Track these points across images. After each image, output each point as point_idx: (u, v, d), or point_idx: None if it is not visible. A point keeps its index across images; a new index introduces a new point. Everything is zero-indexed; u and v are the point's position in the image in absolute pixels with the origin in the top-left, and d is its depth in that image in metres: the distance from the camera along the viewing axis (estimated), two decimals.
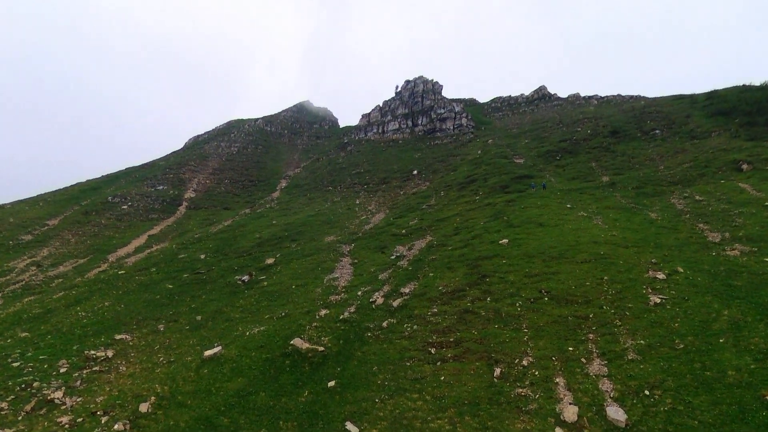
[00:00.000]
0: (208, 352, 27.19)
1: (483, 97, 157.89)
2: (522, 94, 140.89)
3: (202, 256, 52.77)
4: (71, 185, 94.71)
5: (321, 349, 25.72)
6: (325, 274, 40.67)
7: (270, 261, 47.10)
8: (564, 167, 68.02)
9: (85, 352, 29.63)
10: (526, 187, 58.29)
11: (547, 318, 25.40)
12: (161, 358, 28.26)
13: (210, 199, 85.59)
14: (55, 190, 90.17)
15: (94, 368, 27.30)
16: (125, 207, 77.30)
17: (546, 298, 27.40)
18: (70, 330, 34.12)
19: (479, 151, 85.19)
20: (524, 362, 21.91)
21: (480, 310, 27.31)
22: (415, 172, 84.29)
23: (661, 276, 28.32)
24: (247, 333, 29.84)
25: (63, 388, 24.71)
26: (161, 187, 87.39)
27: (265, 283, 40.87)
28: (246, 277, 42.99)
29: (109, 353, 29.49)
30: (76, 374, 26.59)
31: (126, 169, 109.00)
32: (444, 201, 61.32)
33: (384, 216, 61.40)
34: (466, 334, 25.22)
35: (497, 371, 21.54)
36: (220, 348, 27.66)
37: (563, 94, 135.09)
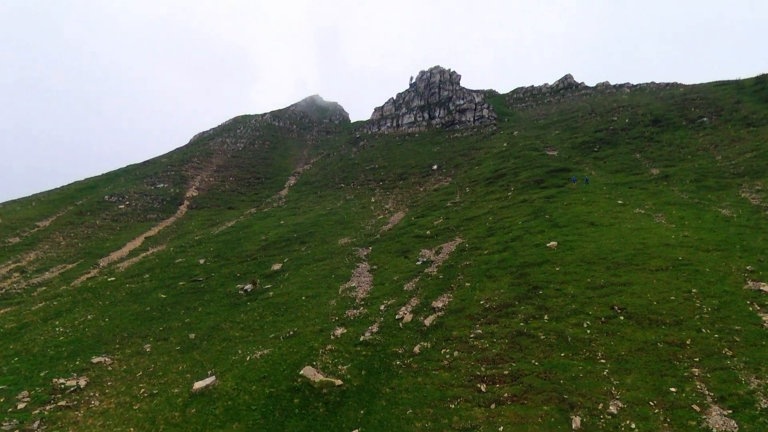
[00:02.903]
0: (198, 384, 22.45)
1: (502, 89, 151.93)
2: (545, 84, 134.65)
3: (202, 261, 48.26)
4: (67, 184, 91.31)
5: (338, 382, 20.79)
6: (339, 283, 35.77)
7: (276, 267, 42.37)
8: (604, 159, 62.29)
9: (54, 380, 25.14)
10: (565, 181, 52.82)
11: (629, 344, 20.16)
12: (142, 390, 23.58)
13: (213, 198, 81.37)
14: (50, 190, 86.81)
15: (60, 403, 22.74)
16: (122, 206, 73.37)
17: (621, 317, 22.16)
18: (42, 350, 29.70)
19: (505, 144, 79.67)
20: (612, 408, 16.73)
21: (537, 333, 22.15)
22: (434, 167, 79.08)
23: (766, 288, 22.90)
24: (248, 357, 25.04)
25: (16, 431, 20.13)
26: (161, 185, 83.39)
27: (271, 293, 36.10)
28: (249, 286, 38.29)
29: (82, 382, 24.94)
30: (37, 411, 22.04)
31: (127, 166, 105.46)
32: (471, 198, 56.05)
33: (404, 215, 56.33)
34: (524, 365, 20.08)
35: (576, 421, 16.40)
36: (213, 378, 22.90)
37: (590, 83, 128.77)
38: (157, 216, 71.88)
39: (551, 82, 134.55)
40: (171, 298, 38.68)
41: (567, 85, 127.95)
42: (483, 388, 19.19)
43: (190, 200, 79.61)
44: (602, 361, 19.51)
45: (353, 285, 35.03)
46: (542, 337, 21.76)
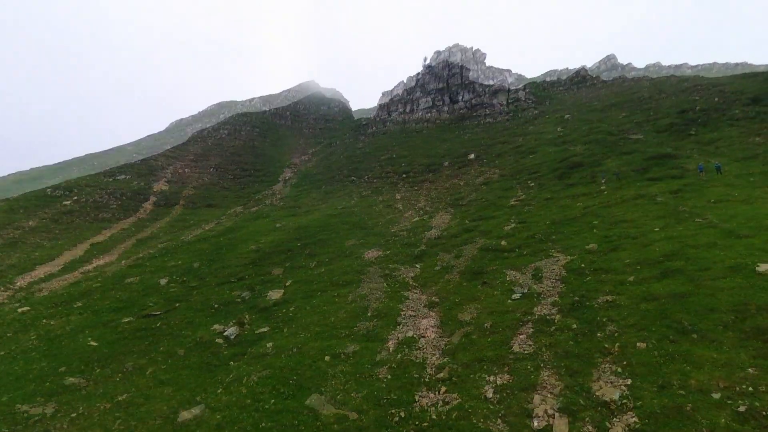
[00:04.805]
0: None
1: (528, 73, 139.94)
2: (584, 66, 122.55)
3: (163, 282, 35.07)
4: (5, 175, 77.42)
5: None
6: (385, 331, 22.67)
7: (275, 295, 29.25)
8: (710, 144, 49.71)
9: None
10: (678, 169, 40.36)
11: None
12: None
13: (188, 194, 67.81)
14: None
15: None
16: (68, 203, 59.68)
17: None
18: None
19: (558, 128, 67.14)
20: None
21: None
22: (471, 156, 66.21)
23: None
24: None
25: None
26: (122, 177, 69.77)
27: (269, 344, 22.94)
28: (232, 329, 25.15)
29: None
30: None
31: (84, 155, 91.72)
32: (542, 193, 43.20)
33: (450, 217, 43.32)
34: None
35: None
36: None
37: (638, 64, 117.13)
38: (113, 215, 58.23)
39: (590, 64, 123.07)
40: (105, 348, 25.44)
41: (611, 66, 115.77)
42: None
43: (158, 196, 66.08)
44: None
45: (410, 334, 21.94)
46: None
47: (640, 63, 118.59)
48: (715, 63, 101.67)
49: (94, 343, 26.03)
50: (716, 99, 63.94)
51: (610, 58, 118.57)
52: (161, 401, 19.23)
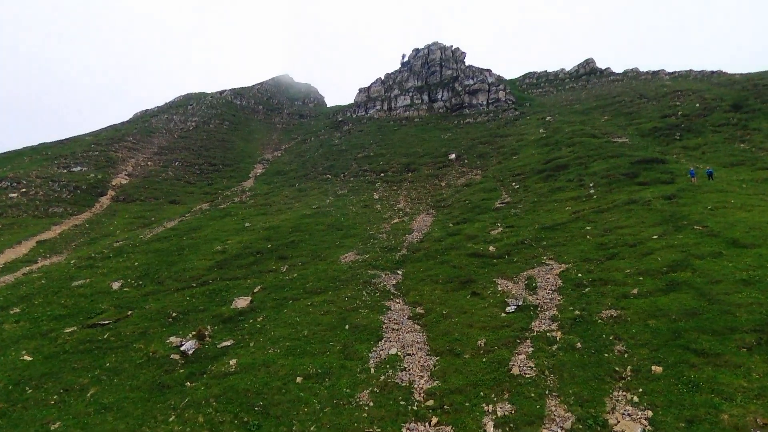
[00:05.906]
0: None
1: (507, 74, 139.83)
2: (563, 69, 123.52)
3: (116, 286, 31.85)
4: None
5: None
6: (365, 345, 20.39)
7: (242, 303, 26.55)
8: (696, 149, 49.33)
9: None
10: (668, 174, 39.39)
11: None
12: None
13: (150, 188, 63.83)
14: None
15: None
16: (14, 195, 55.04)
17: None
18: None
19: (541, 130, 66.12)
20: None
21: None
22: (452, 156, 64.49)
23: None
24: None
25: None
26: (78, 169, 65.17)
27: (232, 362, 20.28)
28: (190, 343, 22.36)
29: None
30: None
31: (38, 144, 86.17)
32: (528, 196, 41.67)
33: (432, 219, 41.32)
34: None
35: None
36: None
37: (616, 68, 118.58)
38: (65, 210, 53.90)
39: (568, 67, 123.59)
40: (41, 363, 22.28)
41: (590, 70, 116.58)
42: None
43: (116, 190, 61.92)
44: None
45: (393, 351, 19.69)
46: None
47: (618, 68, 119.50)
48: (691, 70, 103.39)
49: (29, 358, 22.82)
50: (697, 105, 64.08)
51: (588, 62, 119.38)
52: None
